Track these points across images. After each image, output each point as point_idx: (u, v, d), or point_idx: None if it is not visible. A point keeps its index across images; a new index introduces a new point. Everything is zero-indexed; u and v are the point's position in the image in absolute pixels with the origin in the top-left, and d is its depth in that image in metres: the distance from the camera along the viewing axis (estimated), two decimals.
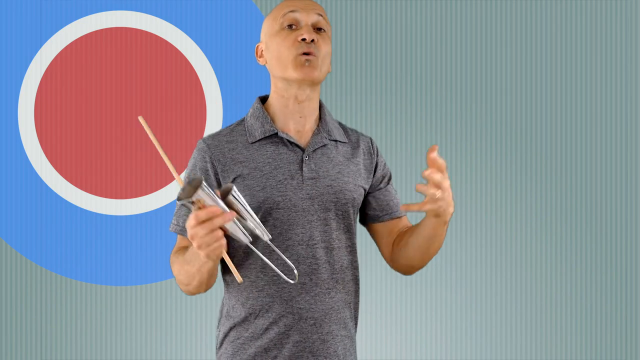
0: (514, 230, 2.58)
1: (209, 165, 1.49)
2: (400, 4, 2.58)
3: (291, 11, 1.49)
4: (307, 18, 1.49)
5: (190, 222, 1.24)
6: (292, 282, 1.41)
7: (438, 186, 1.30)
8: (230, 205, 1.30)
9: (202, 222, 1.23)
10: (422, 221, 1.47)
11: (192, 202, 1.23)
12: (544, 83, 2.59)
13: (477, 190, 2.58)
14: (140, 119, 1.30)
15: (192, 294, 1.49)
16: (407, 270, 1.59)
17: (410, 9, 2.58)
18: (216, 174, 1.49)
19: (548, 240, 2.58)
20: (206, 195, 1.24)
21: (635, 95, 2.58)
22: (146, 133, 2.32)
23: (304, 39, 1.47)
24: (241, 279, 1.31)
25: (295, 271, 1.42)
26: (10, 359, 2.50)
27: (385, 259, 1.63)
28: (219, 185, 1.49)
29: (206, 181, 1.49)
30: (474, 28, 2.59)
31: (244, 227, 1.31)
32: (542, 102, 2.59)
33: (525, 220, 2.58)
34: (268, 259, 1.44)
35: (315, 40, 1.47)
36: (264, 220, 1.46)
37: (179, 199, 1.24)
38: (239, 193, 1.34)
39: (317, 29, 1.50)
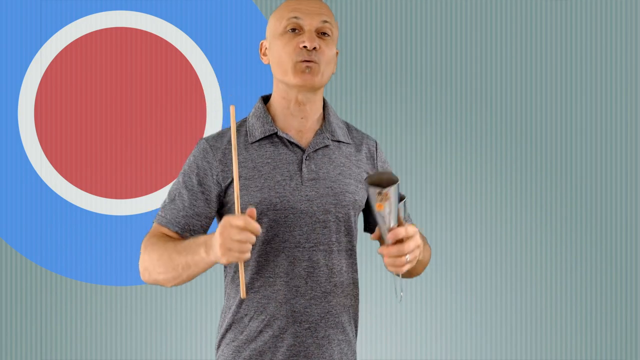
0: (514, 230, 2.58)
1: (207, 165, 1.49)
2: (404, 3, 2.57)
3: (295, 17, 1.46)
4: (310, 23, 1.46)
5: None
6: None
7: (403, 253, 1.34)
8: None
9: None
10: None
11: (380, 193, 1.28)
12: (545, 83, 2.59)
13: (477, 190, 2.57)
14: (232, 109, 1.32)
15: (156, 283, 1.43)
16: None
17: (413, 8, 2.57)
18: (216, 175, 1.48)
19: (548, 240, 2.58)
20: (394, 195, 1.30)
21: (636, 95, 2.58)
22: (143, 131, 2.31)
23: (305, 46, 1.44)
24: (245, 295, 1.34)
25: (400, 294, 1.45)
26: (10, 359, 2.50)
27: None
28: (219, 185, 1.48)
29: (204, 180, 1.48)
30: (476, 28, 2.58)
31: None
32: (543, 103, 2.59)
33: (525, 220, 2.58)
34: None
35: (318, 47, 1.45)
36: (260, 221, 1.43)
37: (374, 183, 1.29)
38: None
39: (322, 33, 1.47)
